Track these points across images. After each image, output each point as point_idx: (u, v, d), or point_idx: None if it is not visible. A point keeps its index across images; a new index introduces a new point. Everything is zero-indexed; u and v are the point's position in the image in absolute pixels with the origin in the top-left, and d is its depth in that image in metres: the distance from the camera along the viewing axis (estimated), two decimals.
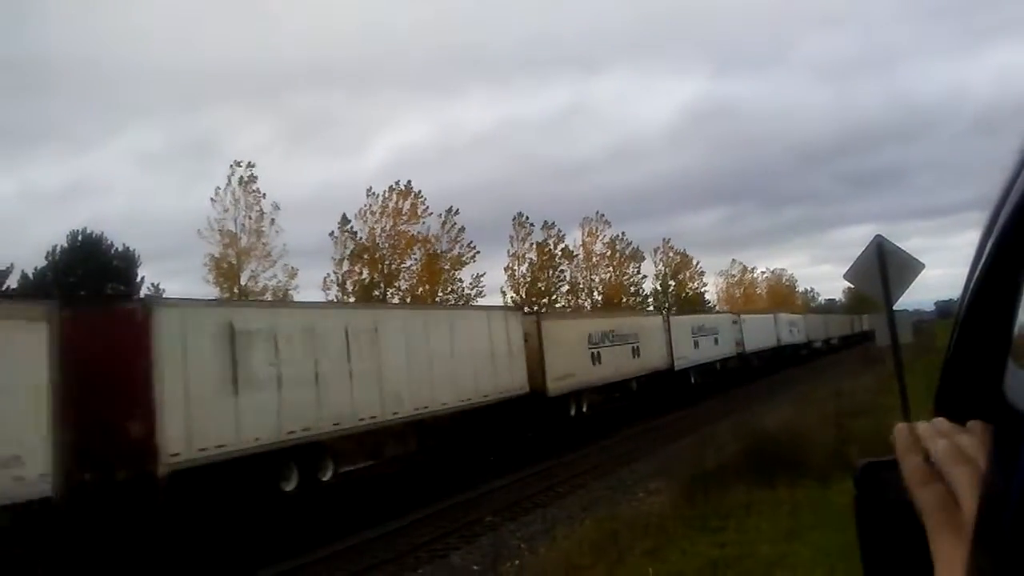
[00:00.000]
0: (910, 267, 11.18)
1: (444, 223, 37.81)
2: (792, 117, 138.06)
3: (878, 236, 11.17)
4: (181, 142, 64.07)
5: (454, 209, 38.28)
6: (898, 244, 11.19)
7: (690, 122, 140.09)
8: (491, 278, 49.88)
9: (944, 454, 0.71)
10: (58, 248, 36.22)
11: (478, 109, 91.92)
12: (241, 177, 31.87)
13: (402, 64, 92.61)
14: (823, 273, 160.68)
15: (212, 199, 31.77)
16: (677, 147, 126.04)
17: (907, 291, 11.23)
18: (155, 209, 60.54)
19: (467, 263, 38.70)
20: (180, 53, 75.42)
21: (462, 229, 38.36)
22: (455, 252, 38.25)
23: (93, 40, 73.32)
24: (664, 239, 66.01)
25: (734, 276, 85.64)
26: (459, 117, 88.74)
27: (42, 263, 35.79)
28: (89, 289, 32.34)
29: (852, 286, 16.49)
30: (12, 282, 34.77)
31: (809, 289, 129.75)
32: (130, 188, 61.86)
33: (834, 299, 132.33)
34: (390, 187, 36.56)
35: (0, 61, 62.22)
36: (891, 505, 0.76)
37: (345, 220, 35.90)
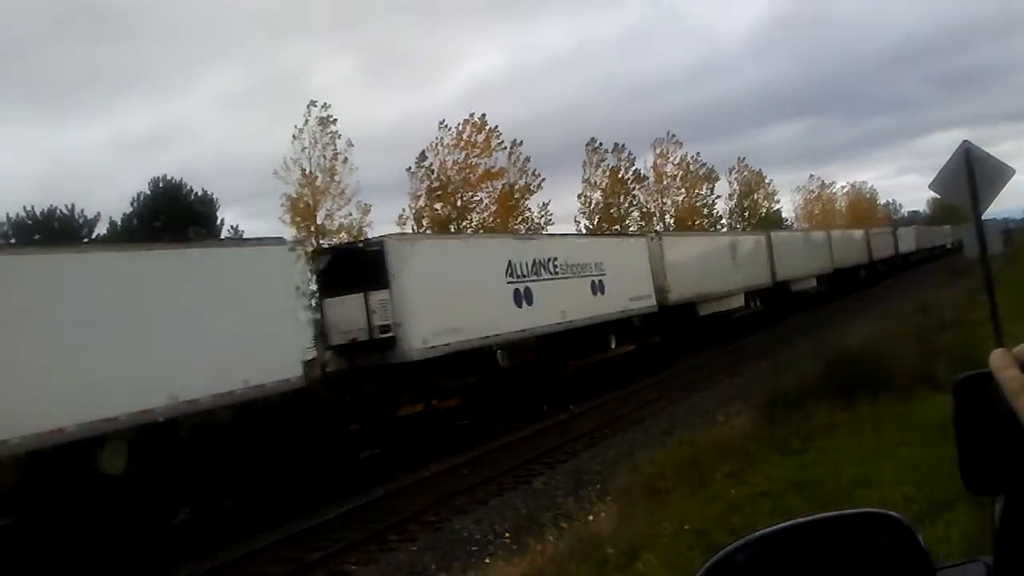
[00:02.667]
0: (1000, 173, 10.69)
1: (511, 154, 37.62)
2: (883, 15, 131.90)
3: (965, 142, 10.70)
4: (262, 82, 64.98)
5: (519, 140, 38.06)
6: (991, 147, 10.72)
7: (776, 28, 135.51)
8: (564, 205, 49.58)
9: None
10: (141, 195, 37.37)
11: (552, 29, 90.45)
12: (319, 117, 32.13)
13: None
14: (908, 184, 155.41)
15: (293, 137, 32.15)
16: (760, 58, 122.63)
17: (996, 199, 10.79)
18: (238, 151, 61.82)
19: (534, 191, 38.59)
20: None
21: (528, 159, 38.16)
22: (523, 183, 38.12)
23: None
24: (739, 158, 64.67)
25: (812, 192, 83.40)
26: (533, 40, 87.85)
27: (127, 210, 37.03)
28: (173, 233, 33.38)
29: (938, 196, 15.90)
30: (101, 229, 36.15)
31: (891, 201, 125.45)
32: (214, 132, 63.21)
33: (917, 211, 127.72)
34: (464, 120, 36.40)
35: (83, 9, 63.48)
36: (989, 415, 0.76)
37: (423, 156, 35.97)
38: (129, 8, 66.17)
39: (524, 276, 20.67)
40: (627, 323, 25.11)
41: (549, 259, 21.83)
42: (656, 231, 35.98)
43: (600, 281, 23.81)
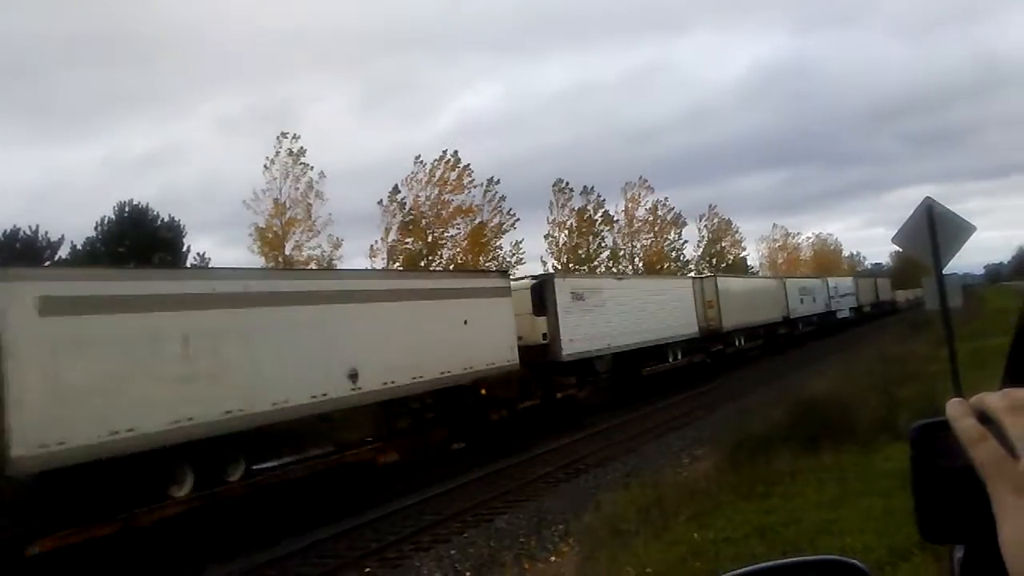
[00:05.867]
0: (961, 230, 10.93)
1: (486, 192, 37.80)
2: (865, 75, 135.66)
3: (928, 198, 10.94)
4: (256, 109, 64.76)
5: (495, 179, 38.27)
6: (957, 205, 11.11)
7: (762, 81, 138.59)
8: (531, 245, 50.02)
9: (1000, 408, 0.73)
10: (106, 219, 36.90)
11: (550, 71, 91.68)
12: (289, 149, 32.14)
13: (483, 26, 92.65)
14: (875, 236, 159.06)
15: (264, 167, 32.09)
16: (745, 108, 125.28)
17: (956, 254, 11.01)
18: (223, 178, 61.46)
19: (507, 231, 38.73)
20: (258, 19, 75.90)
21: (503, 198, 38.32)
22: (496, 221, 38.26)
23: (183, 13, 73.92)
24: (710, 205, 65.65)
25: (776, 241, 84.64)
26: (530, 80, 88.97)
27: (90, 234, 36.50)
28: (137, 259, 32.94)
29: (900, 249, 16.18)
30: (64, 252, 35.57)
31: (855, 253, 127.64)
32: (204, 157, 62.73)
33: (880, 263, 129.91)
34: (439, 157, 36.56)
35: (93, 33, 63.21)
36: (946, 464, 0.77)
37: (396, 190, 36.01)
38: (139, 32, 65.98)
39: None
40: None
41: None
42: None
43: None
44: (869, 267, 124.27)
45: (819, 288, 55.19)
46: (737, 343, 38.71)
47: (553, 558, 10.31)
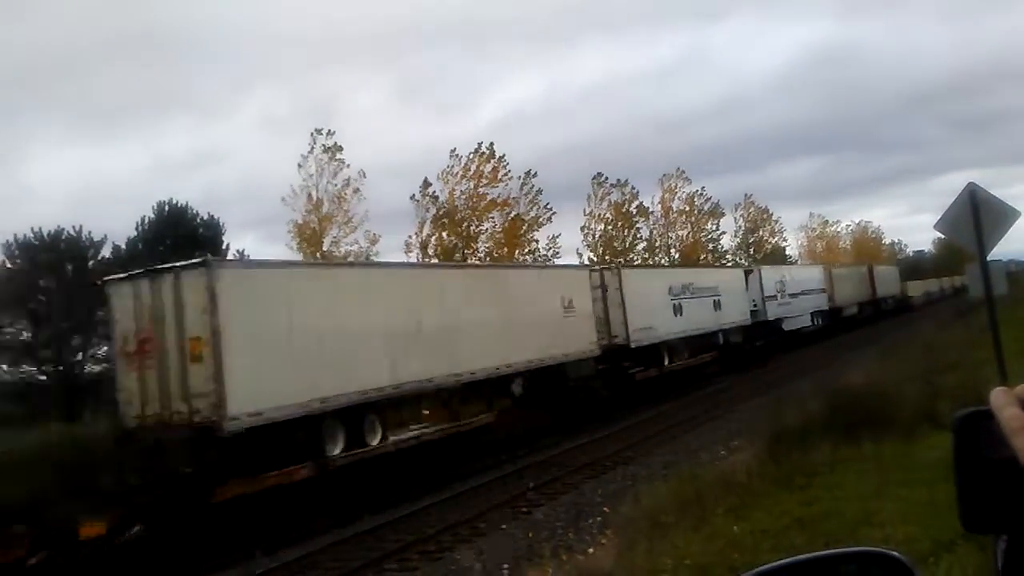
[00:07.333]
0: (1005, 215, 10.73)
1: (523, 185, 37.77)
2: (910, 58, 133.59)
3: (971, 184, 10.75)
4: (298, 106, 65.36)
5: (532, 172, 38.23)
6: (1002, 190, 11.00)
7: (805, 69, 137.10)
8: (568, 238, 50.10)
9: None
10: (146, 219, 37.49)
11: (588, 62, 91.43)
12: (324, 145, 32.35)
13: (519, 17, 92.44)
14: (920, 223, 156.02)
15: (299, 165, 32.36)
16: (786, 96, 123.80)
17: (1002, 240, 10.81)
18: (265, 175, 62.27)
19: (543, 224, 38.68)
20: (299, 17, 76.59)
21: (540, 191, 38.28)
22: (532, 214, 38.23)
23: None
24: (746, 195, 65.03)
25: (814, 230, 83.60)
26: (569, 71, 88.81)
27: (132, 234, 37.12)
28: (179, 257, 33.45)
29: (943, 236, 15.93)
30: (106, 252, 36.22)
31: (897, 241, 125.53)
32: (247, 155, 63.55)
33: (923, 250, 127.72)
34: (474, 149, 36.60)
35: (137, 32, 64.25)
36: (989, 453, 0.76)
37: (427, 183, 36.12)
38: (181, 30, 66.80)
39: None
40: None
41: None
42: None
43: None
44: (910, 255, 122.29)
45: (733, 287, 35.46)
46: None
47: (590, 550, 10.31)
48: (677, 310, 29.06)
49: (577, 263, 38.51)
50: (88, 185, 57.75)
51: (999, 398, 0.76)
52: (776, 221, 67.87)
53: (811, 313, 43.93)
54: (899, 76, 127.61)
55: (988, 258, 10.91)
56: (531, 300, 21.32)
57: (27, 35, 55.19)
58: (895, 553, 1.11)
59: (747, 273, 38.06)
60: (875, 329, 48.97)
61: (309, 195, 32.30)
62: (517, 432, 20.81)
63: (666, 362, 28.30)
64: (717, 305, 32.74)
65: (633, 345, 25.74)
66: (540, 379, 21.79)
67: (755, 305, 36.81)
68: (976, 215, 10.42)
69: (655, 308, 27.47)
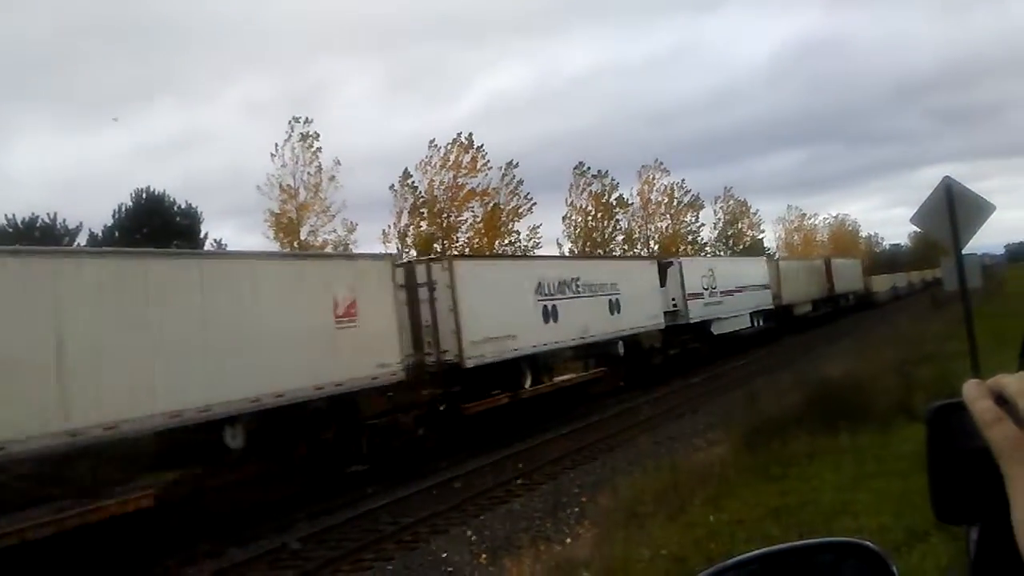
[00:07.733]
0: (980, 209, 10.85)
1: (504, 175, 37.76)
2: (894, 51, 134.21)
3: (946, 177, 10.86)
4: (283, 94, 64.88)
5: (514, 162, 38.22)
6: (980, 183, 11.05)
7: (789, 61, 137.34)
8: (552, 229, 50.22)
9: (1017, 390, 0.74)
10: (123, 207, 37.15)
11: (576, 52, 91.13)
12: (302, 133, 32.17)
13: (510, 6, 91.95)
14: (897, 217, 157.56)
15: (272, 154, 32.16)
16: (770, 89, 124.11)
17: (976, 234, 10.93)
18: (247, 163, 61.76)
19: (524, 215, 38.70)
20: (284, 4, 75.87)
21: (520, 182, 38.29)
22: (513, 204, 38.24)
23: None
24: (726, 187, 65.44)
25: (791, 223, 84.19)
26: (556, 61, 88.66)
27: (108, 222, 36.77)
28: (157, 245, 33.19)
29: (919, 230, 16.08)
30: (82, 239, 35.86)
31: (874, 234, 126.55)
32: (230, 143, 62.97)
33: (899, 244, 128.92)
34: (452, 140, 36.53)
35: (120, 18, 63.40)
36: (962, 445, 0.77)
37: (406, 174, 36.01)
38: (165, 16, 66.04)
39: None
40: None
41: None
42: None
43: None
44: (887, 248, 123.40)
45: (640, 283, 28.63)
46: None
47: (568, 540, 10.34)
48: (549, 314, 22.43)
49: (376, 252, 31.95)
50: (66, 172, 57.09)
51: (972, 390, 0.77)
52: (755, 214, 68.46)
53: (750, 313, 37.73)
54: (883, 69, 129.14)
55: (963, 251, 11.04)
56: (268, 305, 14.46)
57: (6, 21, 54.43)
58: (869, 543, 1.12)
59: (664, 266, 30.93)
60: (835, 328, 45.08)
61: (284, 184, 32.15)
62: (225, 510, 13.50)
63: (527, 384, 21.77)
64: (615, 306, 25.90)
65: (469, 364, 19.05)
66: (279, 424, 14.83)
67: (674, 304, 30.47)
68: (951, 209, 10.53)
69: (513, 312, 20.85)
